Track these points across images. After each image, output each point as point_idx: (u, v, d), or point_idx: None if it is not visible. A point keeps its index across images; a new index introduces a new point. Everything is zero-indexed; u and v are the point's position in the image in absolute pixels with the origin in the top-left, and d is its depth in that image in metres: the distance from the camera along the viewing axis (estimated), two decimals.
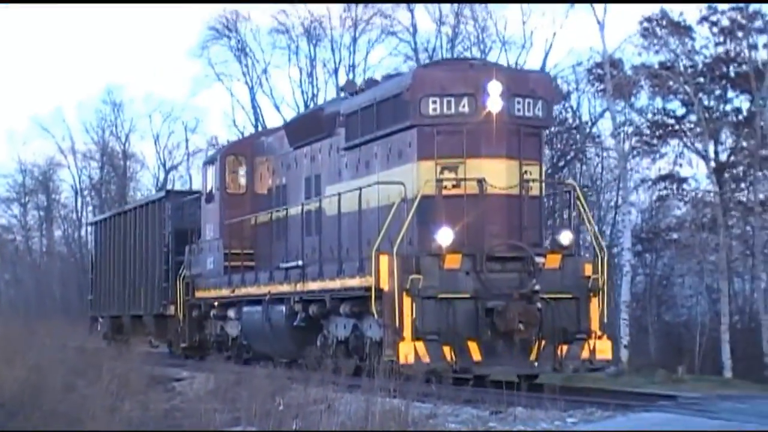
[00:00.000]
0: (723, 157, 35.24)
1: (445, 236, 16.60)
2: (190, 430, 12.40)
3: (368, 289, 17.39)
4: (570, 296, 17.29)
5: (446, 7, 41.94)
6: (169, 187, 52.53)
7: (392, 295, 16.61)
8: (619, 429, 11.62)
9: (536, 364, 16.14)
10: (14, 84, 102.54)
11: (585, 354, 17.01)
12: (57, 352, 19.85)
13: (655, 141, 36.86)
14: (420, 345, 16.07)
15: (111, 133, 57.64)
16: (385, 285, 16.76)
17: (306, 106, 44.72)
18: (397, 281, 16.49)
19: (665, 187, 38.70)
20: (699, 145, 34.47)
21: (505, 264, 17.10)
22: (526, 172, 17.57)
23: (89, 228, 39.14)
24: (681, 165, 36.44)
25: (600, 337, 17.25)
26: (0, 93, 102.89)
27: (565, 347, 16.83)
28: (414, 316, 16.21)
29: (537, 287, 16.57)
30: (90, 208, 59.80)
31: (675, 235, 37.78)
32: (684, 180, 36.99)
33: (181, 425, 13.15)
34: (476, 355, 16.37)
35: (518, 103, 17.45)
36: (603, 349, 17.20)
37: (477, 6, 41.00)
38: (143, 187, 58.25)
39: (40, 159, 61.56)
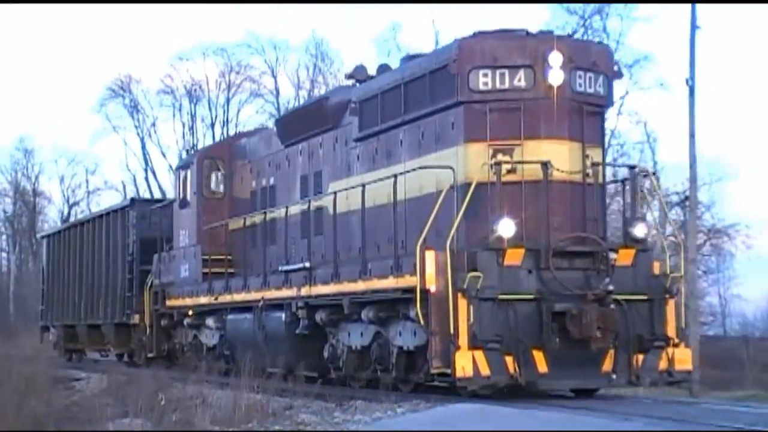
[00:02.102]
0: None
1: (507, 228, 14.61)
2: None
3: (407, 290, 15.54)
4: (645, 297, 15.36)
5: (303, 74, 52.36)
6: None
7: (443, 296, 14.67)
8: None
9: (614, 376, 14.26)
10: None
11: (663, 365, 15.09)
12: None
13: None
14: (479, 355, 14.06)
15: (23, 174, 66.69)
16: (432, 285, 14.73)
17: (188, 152, 50.86)
18: (451, 280, 14.49)
19: None
20: None
21: (573, 260, 15.32)
22: (588, 156, 15.88)
23: (42, 241, 40.83)
24: None
25: (677, 345, 15.31)
26: None
27: (641, 357, 14.88)
28: (471, 320, 14.17)
29: (611, 287, 14.71)
30: (3, 237, 69.90)
31: None
32: None
33: (78, 418, 14.72)
34: (542, 367, 14.53)
35: (580, 77, 15.53)
36: (683, 358, 15.28)
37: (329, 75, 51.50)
38: (50, 219, 68.08)
39: None
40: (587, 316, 14.44)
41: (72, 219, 52.69)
